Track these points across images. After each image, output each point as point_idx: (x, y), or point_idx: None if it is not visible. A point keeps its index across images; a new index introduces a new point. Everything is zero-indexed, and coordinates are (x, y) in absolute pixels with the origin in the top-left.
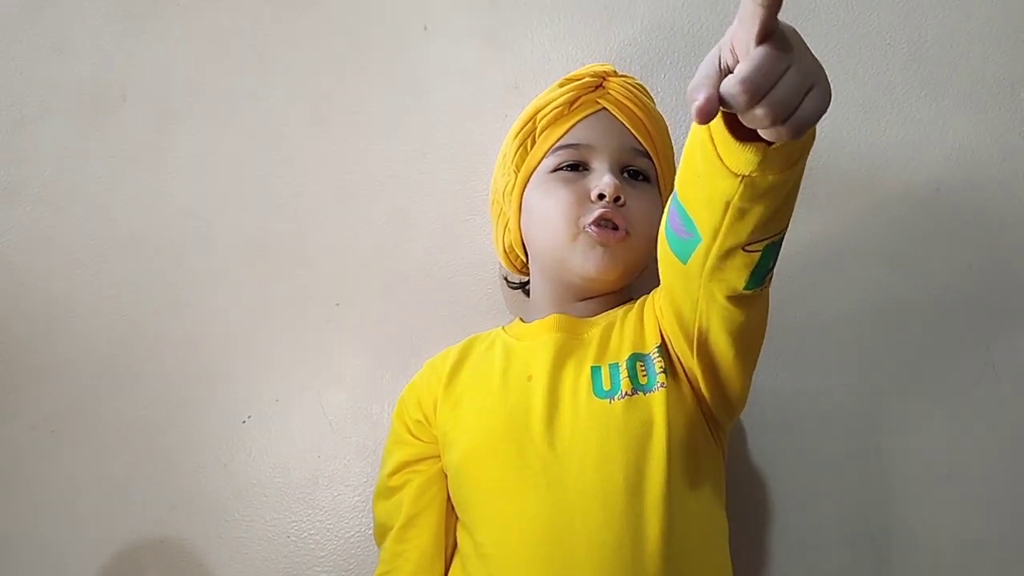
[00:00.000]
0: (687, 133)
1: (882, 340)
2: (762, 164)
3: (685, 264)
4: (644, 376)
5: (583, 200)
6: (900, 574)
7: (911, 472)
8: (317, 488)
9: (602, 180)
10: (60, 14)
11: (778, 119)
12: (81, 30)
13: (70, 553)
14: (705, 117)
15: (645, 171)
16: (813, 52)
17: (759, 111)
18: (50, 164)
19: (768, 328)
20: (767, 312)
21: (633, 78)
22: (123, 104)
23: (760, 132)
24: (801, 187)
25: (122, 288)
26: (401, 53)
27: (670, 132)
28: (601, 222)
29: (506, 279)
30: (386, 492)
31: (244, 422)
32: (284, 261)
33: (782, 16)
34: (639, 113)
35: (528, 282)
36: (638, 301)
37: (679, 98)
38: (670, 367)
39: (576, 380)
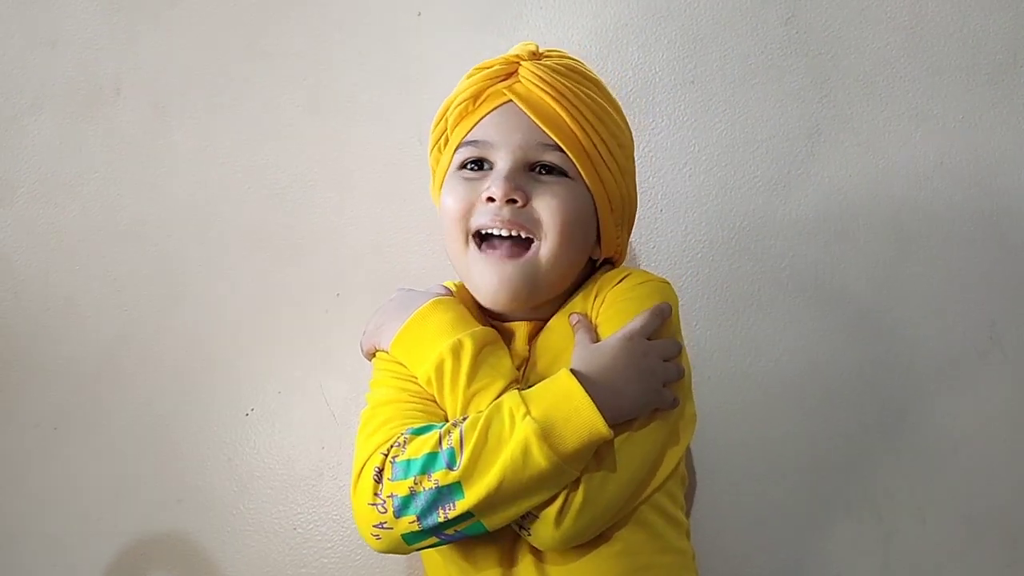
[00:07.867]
0: (685, 114)
1: (887, 315)
2: None
3: None
4: None
5: (477, 202)
6: (907, 550)
7: (917, 448)
8: (321, 479)
9: (493, 180)
10: (52, 8)
11: None
12: (74, 24)
13: (77, 549)
14: None
15: (558, 166)
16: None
17: None
18: (45, 159)
19: (770, 303)
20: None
21: (562, 56)
22: (117, 97)
23: None
24: (802, 163)
25: (121, 283)
26: (395, 40)
27: (660, 111)
28: (491, 233)
29: None
30: None
31: (247, 415)
32: (283, 252)
33: None
34: (552, 102)
35: None
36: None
37: (676, 77)
38: None
39: None
